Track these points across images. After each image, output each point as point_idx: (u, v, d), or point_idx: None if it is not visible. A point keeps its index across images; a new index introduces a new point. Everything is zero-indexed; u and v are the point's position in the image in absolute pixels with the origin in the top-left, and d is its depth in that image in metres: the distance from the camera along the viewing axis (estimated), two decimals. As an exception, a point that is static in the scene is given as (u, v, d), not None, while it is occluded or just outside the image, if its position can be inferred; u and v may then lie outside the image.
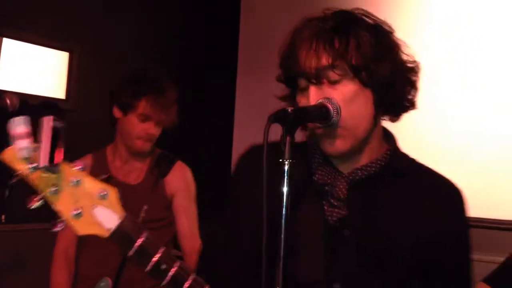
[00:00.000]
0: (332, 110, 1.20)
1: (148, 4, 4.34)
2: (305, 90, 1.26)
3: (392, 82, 1.24)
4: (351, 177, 1.26)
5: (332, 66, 1.21)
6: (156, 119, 2.46)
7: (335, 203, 1.24)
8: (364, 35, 1.22)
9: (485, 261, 3.15)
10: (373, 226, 1.22)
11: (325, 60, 1.21)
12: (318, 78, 1.22)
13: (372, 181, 1.26)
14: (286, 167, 1.10)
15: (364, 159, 1.28)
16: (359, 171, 1.27)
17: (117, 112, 2.50)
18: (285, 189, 1.09)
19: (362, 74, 1.21)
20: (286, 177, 1.09)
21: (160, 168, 2.55)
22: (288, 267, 1.05)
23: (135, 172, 2.54)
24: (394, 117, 1.31)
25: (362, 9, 1.28)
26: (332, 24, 1.24)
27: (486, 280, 2.70)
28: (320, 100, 1.21)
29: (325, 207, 1.25)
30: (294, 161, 1.09)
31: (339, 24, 1.23)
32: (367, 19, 1.27)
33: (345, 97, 1.21)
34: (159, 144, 2.61)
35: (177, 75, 3.67)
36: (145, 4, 4.32)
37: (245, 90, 4.38)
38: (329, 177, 1.27)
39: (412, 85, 1.29)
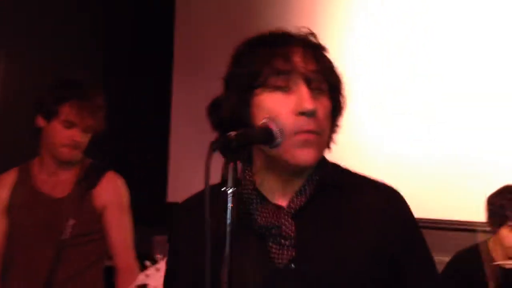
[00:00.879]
0: (275, 131, 1.13)
1: (73, 2, 4.13)
2: (283, 89, 1.17)
3: (339, 115, 1.25)
4: (292, 211, 1.19)
5: (323, 74, 1.19)
6: (82, 125, 2.34)
7: (285, 243, 1.16)
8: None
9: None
10: (322, 252, 1.16)
11: (317, 67, 1.18)
12: (314, 82, 1.17)
13: (311, 204, 1.20)
14: (230, 198, 1.02)
15: (299, 180, 1.22)
16: (295, 199, 1.20)
17: (40, 121, 2.37)
18: (228, 224, 1.01)
19: (333, 93, 1.21)
20: (229, 209, 1.01)
21: (88, 179, 2.42)
22: None
23: (62, 184, 2.41)
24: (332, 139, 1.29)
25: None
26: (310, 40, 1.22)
27: None
28: (264, 121, 1.14)
29: (272, 249, 1.17)
30: (237, 190, 1.02)
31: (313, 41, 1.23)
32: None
33: (326, 112, 1.19)
34: (91, 154, 2.49)
35: (107, 78, 3.53)
36: (70, 3, 4.11)
37: (181, 89, 4.27)
38: (272, 215, 1.19)
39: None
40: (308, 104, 1.13)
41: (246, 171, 1.22)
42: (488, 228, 2.78)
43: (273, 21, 3.90)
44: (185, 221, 1.26)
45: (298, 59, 1.16)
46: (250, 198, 1.22)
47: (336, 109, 1.22)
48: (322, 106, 1.17)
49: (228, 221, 1.01)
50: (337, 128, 1.25)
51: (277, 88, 1.16)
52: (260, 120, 1.15)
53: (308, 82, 1.16)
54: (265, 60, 1.16)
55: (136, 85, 4.24)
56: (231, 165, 1.03)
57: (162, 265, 1.98)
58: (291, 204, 1.19)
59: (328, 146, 1.23)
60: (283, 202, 1.20)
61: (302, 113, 1.14)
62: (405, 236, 1.21)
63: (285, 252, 1.16)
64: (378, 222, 1.18)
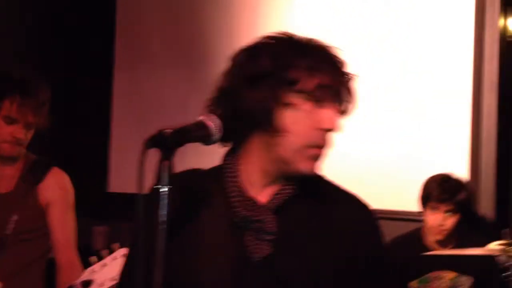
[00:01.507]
0: (212, 128, 1.14)
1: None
2: (315, 101, 1.19)
3: None
4: (274, 208, 1.20)
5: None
6: (23, 122, 2.29)
7: (265, 238, 1.18)
8: None
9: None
10: (300, 251, 1.19)
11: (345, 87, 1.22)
12: (342, 102, 1.23)
13: (290, 204, 1.22)
14: (164, 196, 1.02)
15: (282, 183, 1.24)
16: (277, 196, 1.22)
17: None
18: (162, 220, 1.01)
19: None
20: (163, 206, 1.02)
21: (33, 175, 2.39)
22: None
23: (5, 179, 2.37)
24: None
25: None
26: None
27: None
28: (200, 118, 1.14)
29: (250, 243, 1.18)
30: (171, 187, 1.02)
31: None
32: None
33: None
34: (35, 150, 2.45)
35: (48, 73, 3.44)
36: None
37: (123, 80, 4.20)
38: (253, 209, 1.20)
39: None
40: (333, 124, 1.18)
41: (229, 158, 1.23)
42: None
43: (218, 14, 3.90)
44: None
45: (330, 76, 1.18)
46: (231, 188, 1.22)
47: None
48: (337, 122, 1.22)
49: (162, 219, 1.01)
50: None
51: (313, 98, 1.18)
52: (282, 119, 1.17)
53: (338, 100, 1.20)
54: (309, 68, 1.18)
55: (77, 77, 4.17)
56: (166, 163, 1.03)
57: (108, 260, 1.96)
58: (273, 201, 1.21)
59: None
60: (261, 198, 1.21)
61: (325, 130, 1.18)
62: (373, 253, 1.24)
63: (263, 247, 1.17)
64: (350, 235, 1.21)
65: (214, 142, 1.15)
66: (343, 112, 1.21)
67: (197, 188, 1.06)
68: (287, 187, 1.22)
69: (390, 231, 2.97)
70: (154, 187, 1.03)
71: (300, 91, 1.17)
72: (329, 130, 1.18)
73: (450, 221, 2.72)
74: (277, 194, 1.21)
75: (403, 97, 3.56)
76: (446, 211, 2.71)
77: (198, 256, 1.10)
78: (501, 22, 3.56)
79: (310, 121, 1.17)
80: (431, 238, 2.76)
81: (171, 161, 1.04)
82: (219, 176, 1.23)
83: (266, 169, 1.21)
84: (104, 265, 1.96)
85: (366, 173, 3.54)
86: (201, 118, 1.14)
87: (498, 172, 3.44)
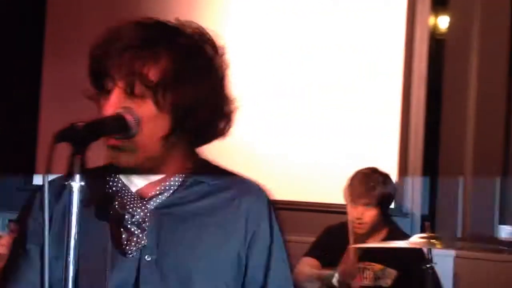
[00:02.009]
0: (131, 122, 1.10)
1: None
2: (99, 93, 1.14)
3: (195, 109, 1.15)
4: (152, 202, 1.17)
5: (142, 77, 1.11)
6: None
7: (136, 232, 1.14)
8: (175, 53, 1.14)
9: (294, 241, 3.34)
10: (178, 245, 1.15)
11: (138, 68, 1.11)
12: (128, 84, 1.11)
13: (174, 200, 1.18)
14: (75, 192, 0.98)
15: (163, 179, 1.19)
16: (159, 192, 1.18)
17: None
18: (74, 218, 0.97)
19: (160, 96, 1.12)
20: (76, 203, 0.98)
21: None
22: None
23: None
24: (197, 143, 1.22)
25: (190, 22, 1.19)
26: (146, 34, 1.13)
27: (308, 254, 2.88)
28: (118, 111, 1.10)
29: (125, 236, 1.14)
30: (85, 185, 0.98)
31: (153, 35, 1.14)
32: (185, 35, 1.17)
33: (144, 116, 1.11)
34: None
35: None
36: None
37: (52, 72, 4.07)
38: (130, 202, 1.16)
39: (224, 116, 1.21)
40: (105, 111, 1.10)
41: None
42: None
43: (154, 2, 3.83)
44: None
45: (117, 62, 1.11)
46: (112, 182, 1.18)
47: (166, 110, 1.13)
48: (139, 110, 1.10)
49: (75, 216, 0.97)
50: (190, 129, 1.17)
51: (107, 92, 1.12)
52: None
53: (126, 86, 1.11)
54: (94, 59, 1.14)
55: (6, 61, 4.01)
56: (78, 157, 0.98)
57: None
58: (154, 197, 1.17)
59: (195, 144, 1.21)
60: (146, 194, 1.17)
61: None
62: (264, 237, 1.21)
63: (137, 241, 1.14)
64: (241, 220, 1.19)
65: (132, 136, 1.11)
66: (132, 93, 1.10)
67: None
68: (172, 178, 1.18)
69: (321, 223, 3.04)
70: (65, 183, 0.98)
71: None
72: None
73: (368, 214, 2.75)
74: (157, 187, 1.17)
75: (335, 92, 3.61)
76: (365, 204, 2.74)
77: (80, 254, 1.03)
78: (431, 20, 3.65)
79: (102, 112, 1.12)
80: (354, 230, 2.80)
81: (83, 155, 0.99)
82: (104, 173, 1.20)
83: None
84: None
85: (296, 167, 3.58)
86: (118, 110, 1.10)
87: (425, 166, 3.54)
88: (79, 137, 0.99)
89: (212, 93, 1.17)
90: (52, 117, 3.97)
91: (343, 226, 2.92)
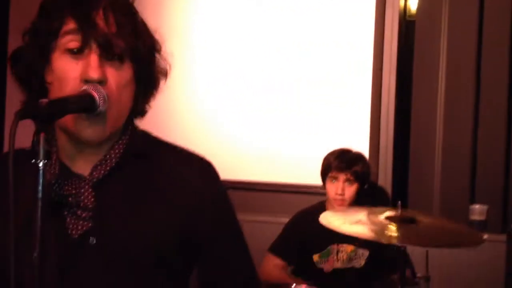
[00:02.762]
0: (98, 99, 1.06)
1: None
2: (77, 54, 1.08)
3: (151, 81, 1.16)
4: (94, 180, 1.12)
5: (124, 42, 1.08)
6: None
7: (83, 214, 1.09)
8: (146, 28, 1.14)
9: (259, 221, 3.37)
10: (122, 225, 1.11)
11: (118, 32, 1.08)
12: (109, 48, 1.07)
13: (115, 174, 1.13)
14: (41, 169, 0.95)
15: (101, 151, 1.14)
16: (99, 166, 1.12)
17: None
18: (40, 196, 0.94)
19: (140, 65, 1.11)
20: (41, 181, 0.95)
21: None
22: None
23: None
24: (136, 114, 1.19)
25: None
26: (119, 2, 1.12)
27: (271, 250, 2.88)
28: (84, 87, 1.07)
29: (68, 220, 1.10)
30: (47, 161, 0.95)
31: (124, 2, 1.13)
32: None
33: (121, 81, 1.09)
34: None
35: None
36: None
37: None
38: (71, 184, 1.11)
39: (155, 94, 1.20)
40: (94, 73, 1.05)
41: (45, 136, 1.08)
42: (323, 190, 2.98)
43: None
44: None
45: (98, 21, 1.07)
46: (50, 165, 1.12)
47: (141, 77, 1.13)
48: (116, 75, 1.08)
49: (39, 195, 0.94)
50: (147, 97, 1.16)
51: (68, 50, 1.07)
52: (51, 81, 1.08)
53: (104, 48, 1.07)
54: (64, 17, 1.07)
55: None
56: (42, 135, 0.95)
57: None
58: (93, 173, 1.12)
59: (135, 116, 1.17)
60: (84, 171, 1.12)
61: (87, 81, 1.05)
62: (213, 211, 1.18)
63: (81, 224, 1.09)
64: (186, 195, 1.14)
65: (98, 114, 1.08)
66: (110, 55, 1.07)
67: (17, 169, 0.94)
68: (109, 156, 1.13)
69: (295, 204, 3.05)
70: (32, 161, 0.95)
71: (57, 45, 1.08)
72: (93, 80, 1.05)
73: (349, 190, 2.80)
74: (97, 165, 1.12)
75: (305, 75, 3.60)
76: (345, 180, 2.79)
77: (24, 241, 0.99)
78: (401, 2, 3.66)
79: (72, 73, 1.06)
80: (335, 207, 2.83)
81: (48, 133, 0.96)
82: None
83: (72, 140, 1.11)
84: None
85: (270, 149, 3.58)
86: (85, 87, 1.07)
87: (395, 147, 3.57)
88: (43, 114, 0.96)
89: (158, 64, 1.18)
90: (19, 95, 3.88)
91: (314, 209, 2.94)
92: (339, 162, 2.80)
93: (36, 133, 0.95)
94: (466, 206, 3.46)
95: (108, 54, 1.07)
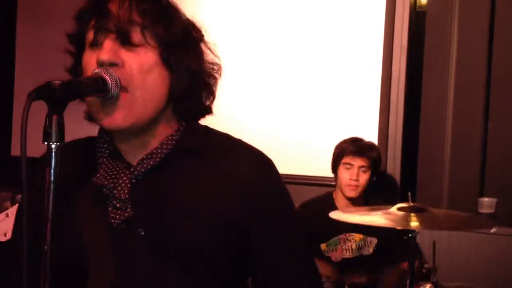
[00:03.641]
0: (110, 82, 1.05)
1: None
2: (95, 46, 1.09)
3: (193, 75, 1.14)
4: (136, 172, 1.12)
5: (142, 26, 1.08)
6: None
7: (118, 205, 1.10)
8: (180, 17, 1.15)
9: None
10: (167, 217, 1.10)
11: (136, 17, 1.08)
12: (122, 33, 1.07)
13: (161, 168, 1.13)
14: (53, 152, 0.94)
15: (154, 143, 1.14)
16: (145, 160, 1.13)
17: None
18: (52, 180, 0.93)
19: (167, 49, 1.10)
20: (53, 163, 0.93)
21: None
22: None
23: None
24: (184, 118, 1.18)
25: None
26: None
27: None
28: (96, 71, 1.06)
29: (110, 209, 1.11)
30: (61, 144, 0.94)
31: None
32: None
33: (143, 65, 1.08)
34: None
35: None
36: None
37: (26, 39, 3.97)
38: (111, 175, 1.12)
39: (208, 89, 1.19)
40: (103, 55, 1.05)
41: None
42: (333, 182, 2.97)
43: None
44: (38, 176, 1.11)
45: (112, 9, 1.08)
46: (100, 151, 1.15)
47: (171, 64, 1.11)
48: (137, 58, 1.08)
49: (52, 178, 0.93)
50: (192, 89, 1.14)
51: (89, 45, 1.10)
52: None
53: (117, 33, 1.07)
54: (89, 18, 1.11)
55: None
56: (55, 118, 0.94)
57: (11, 211, 1.88)
58: (139, 165, 1.12)
59: (187, 110, 1.16)
60: (132, 160, 1.13)
61: (100, 65, 1.06)
62: (267, 211, 1.14)
63: (119, 213, 1.10)
64: (235, 193, 1.11)
65: (111, 97, 1.07)
66: (127, 41, 1.07)
67: (72, 158, 0.99)
68: (157, 151, 1.13)
69: (303, 196, 3.03)
70: (43, 143, 0.94)
71: (85, 44, 1.12)
72: (101, 62, 1.05)
73: (363, 177, 2.80)
74: (143, 159, 1.12)
75: (315, 66, 3.58)
76: (360, 167, 2.79)
77: (75, 227, 1.04)
78: (412, -6, 3.63)
79: (91, 63, 1.08)
80: (347, 194, 2.82)
81: (61, 115, 0.95)
82: (90, 143, 1.18)
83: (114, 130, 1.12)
84: (7, 215, 1.88)
85: (279, 140, 3.56)
86: (97, 70, 1.06)
87: (404, 140, 3.55)
88: (55, 95, 0.95)
89: (204, 64, 1.17)
90: (26, 91, 3.87)
91: (322, 198, 2.93)
92: (355, 147, 2.81)
93: (49, 115, 0.94)
94: (475, 199, 3.43)
95: (123, 39, 1.07)
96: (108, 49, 1.06)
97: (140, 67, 1.08)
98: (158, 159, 1.13)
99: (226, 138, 1.20)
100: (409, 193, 2.13)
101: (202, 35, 1.18)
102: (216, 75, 1.19)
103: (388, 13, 3.52)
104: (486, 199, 3.41)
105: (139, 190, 1.11)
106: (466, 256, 3.27)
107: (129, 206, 1.10)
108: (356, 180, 2.79)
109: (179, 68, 1.12)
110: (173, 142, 1.15)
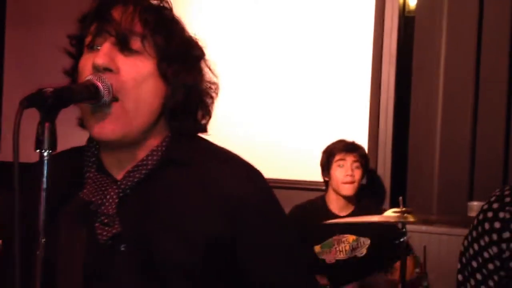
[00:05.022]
0: (102, 89, 1.04)
1: None
2: (92, 48, 1.09)
3: (189, 90, 1.12)
4: (122, 185, 1.10)
5: (143, 35, 1.07)
6: None
7: (106, 220, 1.07)
8: (182, 32, 1.14)
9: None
10: (152, 232, 1.07)
11: (137, 25, 1.07)
12: (121, 37, 1.06)
13: (147, 181, 1.10)
14: (45, 160, 0.93)
15: (137, 157, 1.12)
16: (131, 173, 1.10)
17: None
18: (44, 187, 0.92)
19: (165, 60, 1.08)
20: (45, 171, 0.92)
21: None
22: None
23: None
24: (175, 134, 1.15)
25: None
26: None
27: None
28: (89, 77, 1.05)
29: (96, 225, 1.08)
30: (53, 151, 0.93)
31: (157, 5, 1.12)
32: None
33: (138, 74, 1.06)
34: None
35: None
36: None
37: (15, 43, 3.95)
38: (98, 190, 1.09)
39: (204, 108, 1.17)
40: (99, 59, 1.04)
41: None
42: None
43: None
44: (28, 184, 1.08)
45: (115, 15, 1.07)
46: (87, 165, 1.13)
47: (167, 75, 1.09)
48: (133, 66, 1.06)
49: (44, 186, 0.92)
50: (186, 103, 1.11)
51: (86, 47, 1.09)
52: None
53: (117, 38, 1.06)
54: (90, 22, 1.10)
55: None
56: (47, 125, 0.93)
57: None
58: (125, 179, 1.10)
59: (176, 121, 1.13)
60: (117, 174, 1.11)
61: (95, 70, 1.04)
62: (255, 223, 1.10)
63: (106, 230, 1.07)
64: (222, 205, 1.07)
65: (103, 104, 1.06)
66: (125, 47, 1.06)
67: (58, 170, 0.95)
68: (145, 162, 1.10)
69: (293, 201, 3.03)
70: (35, 150, 0.93)
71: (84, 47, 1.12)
72: (96, 66, 1.04)
73: (358, 172, 2.83)
74: (130, 172, 1.10)
75: (304, 71, 3.58)
76: (353, 162, 2.81)
77: (56, 244, 1.02)
78: (401, -2, 3.65)
79: (87, 66, 1.07)
80: (344, 192, 2.83)
81: (53, 123, 0.94)
82: (77, 155, 1.16)
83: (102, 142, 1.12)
84: None
85: (269, 146, 3.55)
86: (89, 77, 1.05)
87: (394, 144, 3.56)
88: (47, 103, 0.94)
89: (201, 81, 1.17)
90: (15, 94, 3.84)
91: (315, 202, 2.94)
92: (344, 145, 2.84)
93: (41, 123, 0.93)
94: (465, 203, 3.44)
95: (122, 43, 1.06)
96: (105, 53, 1.05)
97: (135, 75, 1.06)
98: (143, 172, 1.10)
99: (214, 149, 1.17)
100: (400, 198, 2.14)
101: (203, 53, 1.16)
102: (214, 94, 1.18)
103: (377, 18, 3.54)
104: (475, 203, 3.42)
105: (126, 205, 1.09)
106: (456, 260, 3.28)
107: (117, 222, 1.07)
108: (351, 176, 2.81)
109: (175, 82, 1.10)
110: (159, 153, 1.12)
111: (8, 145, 3.87)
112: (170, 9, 1.15)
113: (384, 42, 3.56)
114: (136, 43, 1.07)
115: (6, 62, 3.98)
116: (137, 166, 1.11)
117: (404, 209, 2.07)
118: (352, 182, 2.81)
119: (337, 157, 2.83)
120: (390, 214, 2.04)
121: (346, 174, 2.81)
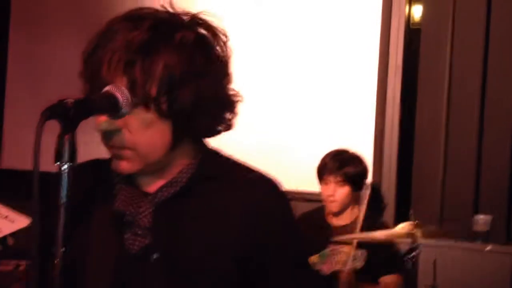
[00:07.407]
0: (121, 100, 1.03)
1: None
2: None
3: (196, 113, 1.08)
4: (156, 199, 1.11)
5: (138, 85, 1.04)
6: None
7: (139, 232, 1.09)
8: (176, 56, 1.05)
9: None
10: (184, 244, 1.10)
11: (124, 81, 1.04)
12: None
13: (180, 196, 1.12)
14: (65, 173, 0.91)
15: (170, 174, 1.13)
16: (164, 188, 1.12)
17: None
18: (63, 201, 0.90)
19: (161, 105, 1.05)
20: (65, 185, 0.91)
21: None
22: None
23: None
24: (202, 137, 1.17)
25: (195, 14, 1.14)
26: (142, 37, 1.04)
27: None
28: (107, 88, 1.03)
29: (127, 236, 1.10)
30: (73, 164, 0.91)
31: (149, 39, 1.04)
32: (182, 27, 1.10)
33: (139, 124, 1.06)
34: None
35: None
36: None
37: (19, 48, 3.92)
38: (131, 203, 1.11)
39: (229, 109, 1.15)
40: (98, 124, 1.05)
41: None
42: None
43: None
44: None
45: (104, 69, 1.05)
46: (117, 176, 1.14)
47: (169, 114, 1.06)
48: (131, 119, 1.05)
49: (63, 200, 0.90)
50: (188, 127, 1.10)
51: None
52: None
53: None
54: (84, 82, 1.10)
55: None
56: (67, 137, 0.91)
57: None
58: (159, 193, 1.12)
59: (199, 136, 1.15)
60: (151, 189, 1.12)
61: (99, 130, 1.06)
62: (273, 237, 1.13)
63: (139, 240, 1.09)
64: (248, 218, 1.11)
65: (123, 115, 1.04)
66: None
67: (85, 180, 0.98)
68: (178, 179, 1.12)
69: (296, 211, 3.01)
70: (55, 163, 0.92)
71: None
72: (100, 131, 1.06)
73: (339, 192, 2.83)
74: (163, 187, 1.12)
75: (310, 83, 3.57)
76: (336, 182, 2.81)
77: (86, 253, 1.04)
78: (406, 10, 3.64)
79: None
80: (327, 209, 2.86)
81: (74, 134, 0.92)
82: (105, 166, 1.15)
83: None
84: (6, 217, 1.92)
85: (271, 154, 3.53)
86: (108, 88, 1.03)
87: (399, 157, 3.54)
88: (68, 114, 0.92)
89: (214, 90, 1.11)
90: (18, 102, 3.82)
91: (314, 213, 2.95)
92: (332, 163, 2.84)
93: (61, 135, 0.91)
94: (470, 217, 3.42)
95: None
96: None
97: (137, 127, 1.06)
98: (178, 188, 1.12)
99: (239, 164, 1.20)
100: (411, 211, 2.12)
101: (209, 70, 1.11)
102: (235, 100, 1.18)
103: (383, 30, 3.53)
104: (481, 216, 3.40)
105: (159, 217, 1.10)
106: (465, 273, 3.26)
107: (149, 233, 1.09)
108: (331, 195, 2.82)
109: (175, 115, 1.08)
110: (192, 170, 1.14)
111: (11, 152, 3.86)
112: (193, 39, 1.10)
113: (390, 54, 3.55)
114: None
115: (9, 70, 3.95)
116: (170, 182, 1.12)
117: (416, 222, 2.04)
118: (332, 201, 2.84)
119: (324, 176, 2.86)
120: (401, 230, 2.01)
121: (327, 194, 2.83)
